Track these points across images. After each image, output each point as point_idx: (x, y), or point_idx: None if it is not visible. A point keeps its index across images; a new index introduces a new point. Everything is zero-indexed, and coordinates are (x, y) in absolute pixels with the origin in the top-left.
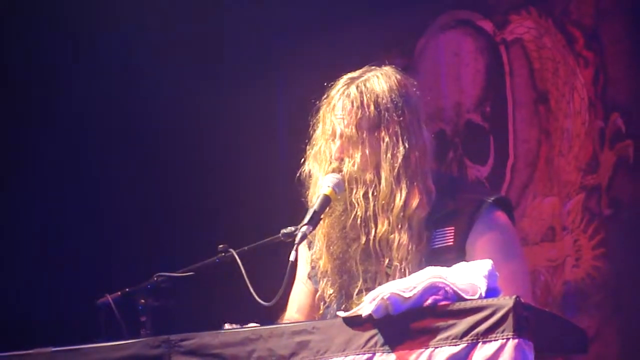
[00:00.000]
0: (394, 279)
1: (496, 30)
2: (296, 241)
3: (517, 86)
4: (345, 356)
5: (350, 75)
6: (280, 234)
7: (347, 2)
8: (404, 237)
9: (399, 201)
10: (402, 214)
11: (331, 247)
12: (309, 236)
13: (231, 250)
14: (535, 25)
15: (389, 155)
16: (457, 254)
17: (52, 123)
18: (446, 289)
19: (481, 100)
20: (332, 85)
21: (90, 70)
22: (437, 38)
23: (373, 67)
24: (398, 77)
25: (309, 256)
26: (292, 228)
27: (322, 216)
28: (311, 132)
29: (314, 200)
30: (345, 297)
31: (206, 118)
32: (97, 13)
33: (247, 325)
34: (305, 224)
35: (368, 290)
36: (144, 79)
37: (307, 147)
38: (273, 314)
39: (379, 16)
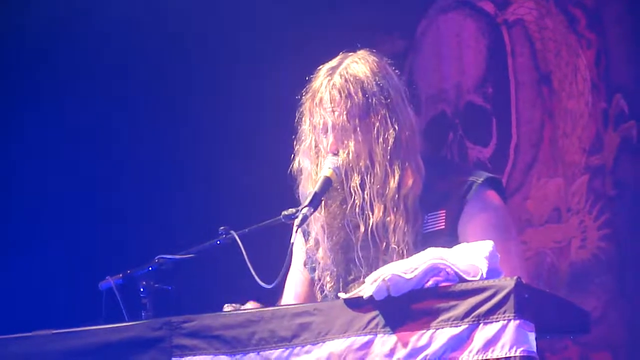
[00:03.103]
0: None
1: (497, 11)
2: (297, 223)
3: (519, 67)
4: (347, 337)
5: (328, 65)
6: (281, 216)
7: None
8: (400, 220)
9: (392, 184)
10: (396, 195)
11: (333, 237)
12: (304, 224)
13: (232, 232)
14: (536, 6)
15: (380, 139)
16: (449, 237)
17: (59, 102)
18: (447, 270)
19: (483, 81)
20: (313, 77)
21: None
22: (438, 19)
23: (349, 54)
24: (375, 58)
25: (305, 243)
26: (293, 210)
27: (323, 198)
28: (297, 127)
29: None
30: (343, 284)
31: (208, 101)
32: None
33: (245, 306)
34: (306, 206)
35: (365, 276)
36: (147, 70)
37: (295, 142)
38: (274, 295)
39: None
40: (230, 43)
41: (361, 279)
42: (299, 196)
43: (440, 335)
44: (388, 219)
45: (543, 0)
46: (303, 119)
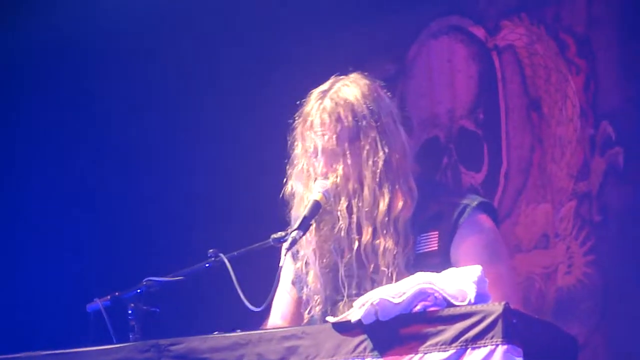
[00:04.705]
0: (380, 285)
1: (488, 36)
2: (286, 246)
3: (509, 93)
4: None
5: (320, 89)
6: (270, 239)
7: (339, 8)
8: (390, 242)
9: (382, 206)
10: (386, 218)
11: (324, 260)
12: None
13: (221, 255)
14: (527, 32)
15: (370, 162)
16: (442, 258)
17: (46, 122)
18: (435, 294)
19: (474, 106)
20: (305, 101)
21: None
22: (430, 44)
23: (340, 77)
24: (367, 82)
25: (293, 264)
26: (282, 233)
27: (312, 222)
28: (289, 151)
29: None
30: (331, 306)
31: (196, 123)
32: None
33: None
34: (295, 229)
35: (353, 298)
36: (129, 88)
37: (287, 166)
38: (262, 319)
39: (371, 22)
40: (220, 67)
41: (349, 302)
42: (291, 220)
43: (428, 359)
44: (377, 241)
45: (534, 26)
46: (295, 143)
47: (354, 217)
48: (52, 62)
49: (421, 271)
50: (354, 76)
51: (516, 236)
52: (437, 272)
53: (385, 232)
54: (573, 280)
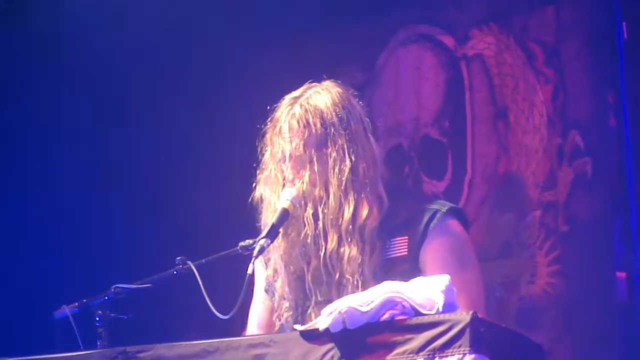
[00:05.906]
0: (347, 292)
1: (457, 45)
2: (254, 254)
3: (476, 101)
4: None
5: (292, 95)
6: (238, 247)
7: (308, 16)
8: (354, 250)
9: (347, 214)
10: (350, 226)
11: (291, 267)
12: (266, 253)
13: (189, 262)
14: (495, 41)
15: (336, 170)
16: (412, 264)
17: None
18: (403, 303)
19: (440, 114)
20: (276, 107)
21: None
22: (398, 52)
23: (313, 84)
24: (339, 89)
25: (265, 272)
26: (250, 241)
27: (280, 230)
28: (260, 156)
29: (270, 215)
30: (300, 313)
31: (164, 128)
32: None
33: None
34: (264, 237)
35: (321, 305)
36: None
37: (257, 171)
38: (230, 326)
39: (341, 30)
40: (191, 74)
41: (317, 309)
42: (260, 226)
43: None
44: (342, 249)
45: (502, 35)
46: (265, 148)
47: (320, 223)
48: None
49: (391, 276)
50: (326, 84)
51: (478, 245)
52: (407, 277)
53: (350, 240)
54: (537, 289)
